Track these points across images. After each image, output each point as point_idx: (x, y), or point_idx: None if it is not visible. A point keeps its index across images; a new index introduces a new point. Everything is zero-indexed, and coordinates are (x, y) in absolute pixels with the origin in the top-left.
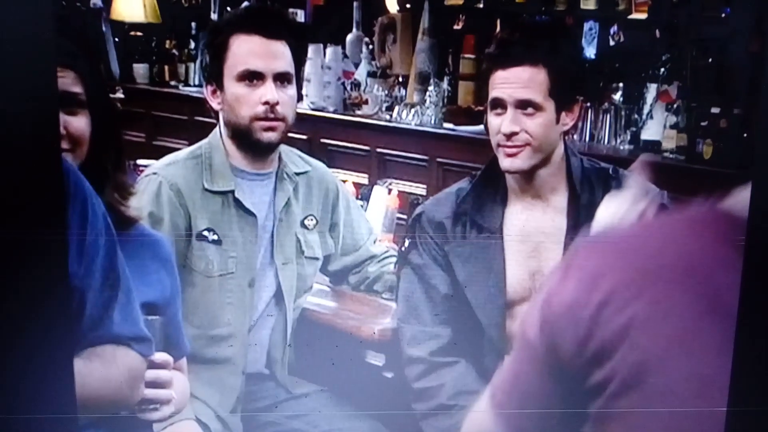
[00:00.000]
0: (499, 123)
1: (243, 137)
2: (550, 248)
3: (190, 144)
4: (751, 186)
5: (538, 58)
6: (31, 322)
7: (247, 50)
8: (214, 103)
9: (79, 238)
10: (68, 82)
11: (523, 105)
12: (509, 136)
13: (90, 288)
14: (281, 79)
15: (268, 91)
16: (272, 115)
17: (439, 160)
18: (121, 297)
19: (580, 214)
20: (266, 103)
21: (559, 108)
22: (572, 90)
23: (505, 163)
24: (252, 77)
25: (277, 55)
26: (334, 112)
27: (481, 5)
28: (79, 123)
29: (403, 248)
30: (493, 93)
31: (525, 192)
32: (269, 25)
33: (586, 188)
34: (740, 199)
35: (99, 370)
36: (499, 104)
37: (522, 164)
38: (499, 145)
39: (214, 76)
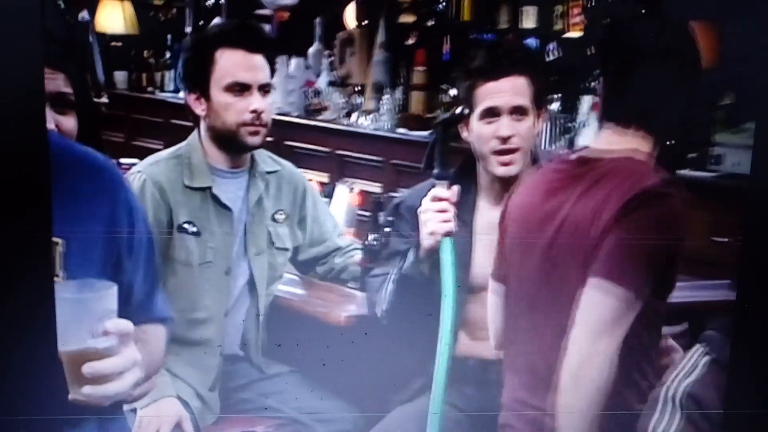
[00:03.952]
0: (493, 129)
1: (229, 141)
2: None
3: (165, 143)
4: (748, 188)
5: (522, 69)
6: (16, 322)
7: (234, 63)
8: (198, 110)
9: (129, 236)
10: (60, 83)
11: (515, 111)
12: (506, 139)
13: (137, 279)
14: (263, 88)
15: (256, 100)
16: (258, 122)
17: (393, 161)
18: (160, 285)
19: None
20: (254, 111)
21: (537, 113)
22: (544, 95)
23: (500, 170)
24: (239, 88)
25: (259, 67)
26: (298, 117)
27: (431, 23)
28: (68, 122)
29: (366, 242)
30: (487, 102)
31: (495, 190)
32: (251, 40)
33: None
34: None
35: (152, 345)
36: (493, 113)
37: (516, 169)
38: (493, 152)
39: (199, 85)
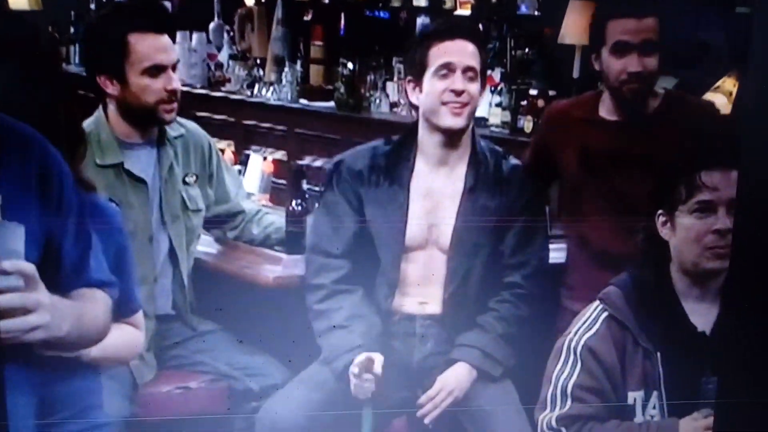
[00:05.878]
0: (447, 83)
1: (144, 118)
2: (447, 207)
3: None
4: (737, 181)
5: (473, 36)
6: None
7: (148, 47)
8: (110, 90)
9: (58, 195)
10: None
11: (467, 70)
12: (459, 93)
13: (66, 241)
14: (174, 67)
15: (173, 80)
16: (174, 98)
17: (296, 130)
18: (94, 248)
19: (475, 180)
20: (172, 90)
21: (482, 81)
22: (486, 68)
23: (449, 121)
24: (155, 70)
25: (169, 47)
26: (201, 88)
27: (327, 1)
28: None
29: (291, 208)
30: (443, 59)
31: (435, 156)
32: (158, 22)
33: (483, 161)
34: None
35: (88, 307)
36: (448, 68)
37: (463, 122)
38: (443, 103)
39: (111, 68)
